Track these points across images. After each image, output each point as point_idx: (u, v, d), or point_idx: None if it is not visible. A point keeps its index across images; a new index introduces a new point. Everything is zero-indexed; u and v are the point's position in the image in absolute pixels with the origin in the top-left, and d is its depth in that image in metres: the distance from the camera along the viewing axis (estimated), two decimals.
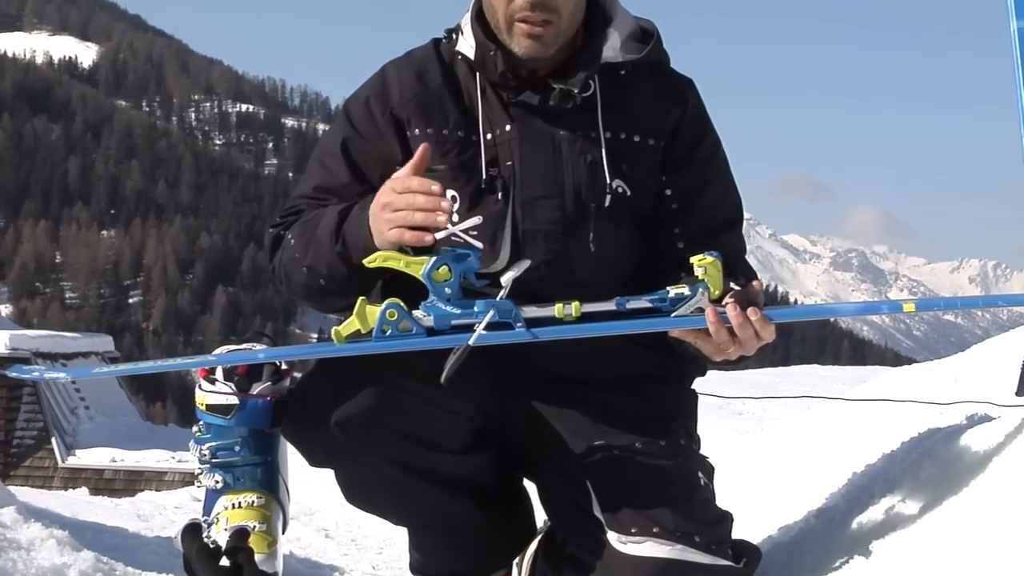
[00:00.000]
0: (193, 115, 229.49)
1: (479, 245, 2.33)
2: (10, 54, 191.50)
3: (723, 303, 2.21)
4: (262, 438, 2.70)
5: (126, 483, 20.02)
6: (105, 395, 23.28)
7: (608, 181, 2.51)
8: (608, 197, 2.51)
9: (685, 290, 2.22)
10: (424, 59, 2.61)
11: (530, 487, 2.81)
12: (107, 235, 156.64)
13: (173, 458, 20.93)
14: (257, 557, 2.57)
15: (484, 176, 2.50)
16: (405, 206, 2.23)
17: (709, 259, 2.21)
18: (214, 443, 2.68)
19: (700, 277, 2.22)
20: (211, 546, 2.58)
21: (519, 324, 2.22)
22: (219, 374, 2.67)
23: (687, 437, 2.61)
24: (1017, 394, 2.44)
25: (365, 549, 6.28)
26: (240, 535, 2.58)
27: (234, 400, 2.65)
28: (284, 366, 2.72)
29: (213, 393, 2.67)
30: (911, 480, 2.65)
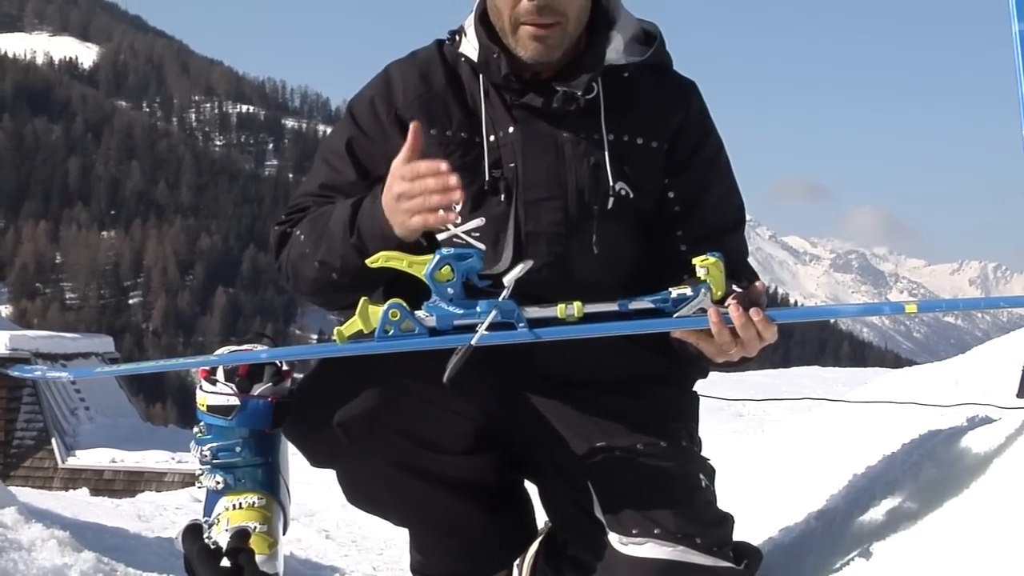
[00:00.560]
0: (193, 116, 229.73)
1: (481, 247, 2.33)
2: (11, 55, 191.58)
3: (725, 304, 2.21)
4: (263, 439, 2.70)
5: (126, 484, 20.02)
6: (105, 396, 23.27)
7: (611, 183, 2.51)
8: (611, 199, 2.51)
9: (687, 291, 2.22)
10: (428, 60, 2.61)
11: (531, 488, 2.81)
12: (107, 236, 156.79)
13: (173, 459, 20.91)
14: (258, 558, 2.57)
15: (487, 178, 2.50)
16: (420, 191, 2.22)
17: (711, 260, 2.22)
18: (215, 444, 2.68)
19: (702, 278, 2.22)
20: (212, 547, 2.57)
21: (521, 324, 2.22)
22: (220, 375, 2.67)
23: (688, 439, 2.61)
24: (1018, 396, 2.45)
25: (366, 550, 6.29)
26: (241, 536, 2.57)
27: (235, 401, 2.65)
28: (285, 367, 2.72)
29: (214, 394, 2.67)
30: (912, 482, 2.65)
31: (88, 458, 21.51)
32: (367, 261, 2.26)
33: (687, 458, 2.57)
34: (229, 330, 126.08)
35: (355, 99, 2.65)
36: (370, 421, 2.45)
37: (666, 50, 2.64)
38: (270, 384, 2.67)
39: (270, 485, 2.73)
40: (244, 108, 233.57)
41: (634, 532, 2.40)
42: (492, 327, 2.19)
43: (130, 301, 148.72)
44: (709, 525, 2.44)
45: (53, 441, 21.60)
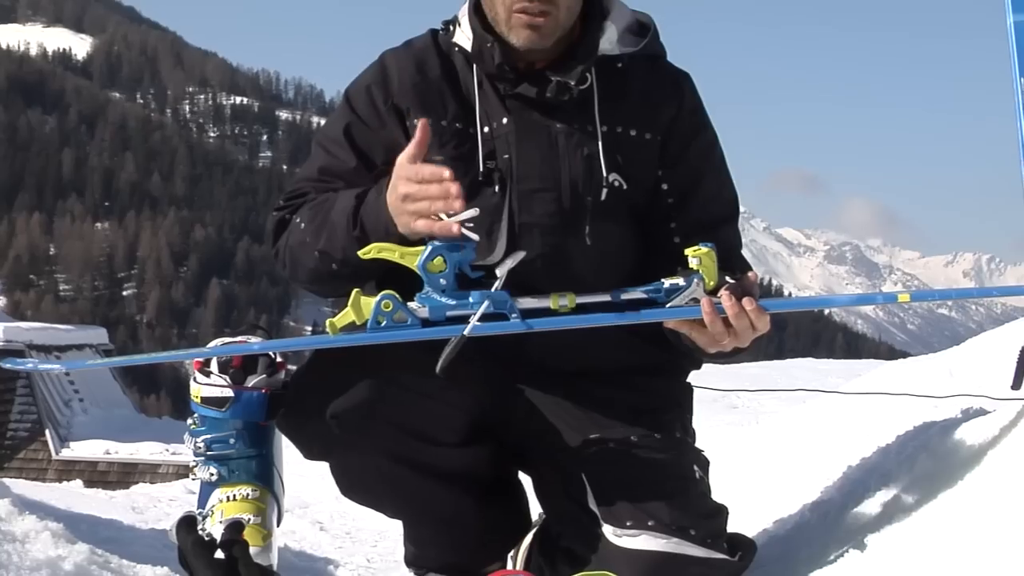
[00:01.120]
0: (187, 107, 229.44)
1: (475, 237, 2.33)
2: (4, 46, 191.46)
3: (718, 294, 2.21)
4: (257, 431, 2.70)
5: (120, 475, 20.01)
6: (99, 387, 23.27)
7: (604, 175, 2.50)
8: (604, 191, 2.51)
9: (680, 281, 2.22)
10: (423, 50, 2.60)
11: (525, 480, 2.81)
12: (101, 227, 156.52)
13: (167, 450, 20.91)
14: (252, 550, 2.56)
15: (482, 169, 2.50)
16: (424, 196, 2.20)
17: (704, 250, 2.21)
18: (209, 436, 2.68)
19: (695, 268, 2.21)
20: (206, 539, 2.57)
21: (514, 315, 2.22)
22: (214, 366, 2.67)
23: (682, 430, 2.62)
24: (1012, 387, 2.44)
25: (360, 542, 6.28)
26: (235, 528, 2.57)
27: (229, 393, 2.65)
28: (279, 359, 2.71)
29: (208, 386, 2.67)
30: (906, 473, 2.65)
31: (82, 450, 21.50)
32: (359, 252, 2.25)
33: (681, 450, 2.57)
34: (223, 322, 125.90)
35: (351, 87, 2.64)
36: (363, 413, 2.45)
37: (660, 41, 2.64)
38: (264, 376, 2.67)
39: (264, 477, 2.72)
40: (238, 100, 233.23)
41: (628, 524, 2.40)
42: (485, 318, 2.19)
43: (124, 293, 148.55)
44: (703, 517, 2.44)
45: (47, 433, 21.60)
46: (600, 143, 2.51)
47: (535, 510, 2.84)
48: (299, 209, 2.54)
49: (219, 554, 2.54)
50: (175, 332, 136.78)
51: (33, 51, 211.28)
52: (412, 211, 2.22)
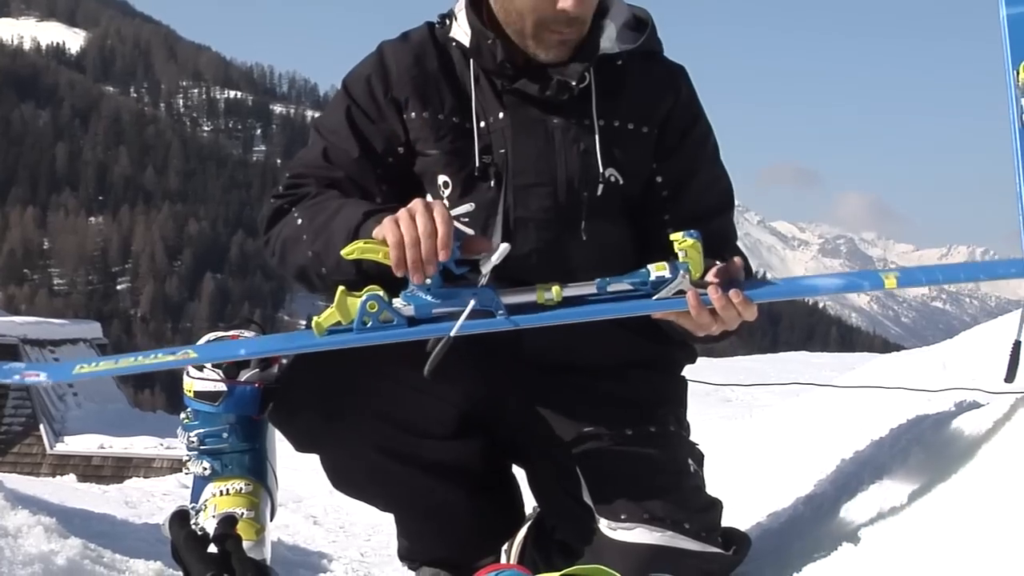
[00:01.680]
0: (181, 101, 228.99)
1: (470, 232, 2.32)
2: None
3: (704, 280, 2.21)
4: (250, 425, 2.69)
5: (114, 470, 20.01)
6: (93, 382, 23.21)
7: (601, 170, 2.50)
8: (600, 186, 2.50)
9: (666, 272, 2.21)
10: (421, 43, 2.59)
11: (519, 473, 2.81)
12: (95, 221, 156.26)
13: (161, 445, 20.91)
14: (245, 544, 2.56)
15: (477, 164, 2.49)
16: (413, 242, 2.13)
17: (689, 241, 2.20)
18: (202, 430, 2.67)
19: (681, 259, 2.21)
20: (199, 533, 2.56)
21: (500, 312, 2.21)
22: None
23: (677, 424, 2.62)
24: (1006, 380, 2.44)
25: (353, 536, 6.29)
26: (228, 522, 2.56)
27: (222, 387, 2.64)
28: None
29: (201, 380, 2.66)
30: (900, 467, 2.65)
31: (76, 444, 21.50)
32: (343, 252, 2.21)
33: (676, 443, 2.57)
34: (217, 316, 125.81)
35: (349, 77, 2.62)
36: (351, 406, 2.45)
37: (657, 36, 2.64)
38: (257, 370, 2.66)
39: (257, 471, 2.72)
40: (232, 93, 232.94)
41: (623, 517, 2.40)
42: (471, 315, 2.18)
43: (118, 287, 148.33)
44: (698, 510, 2.44)
45: (41, 427, 21.59)
46: (597, 137, 2.51)
47: (529, 503, 2.84)
48: (298, 202, 2.51)
49: (212, 548, 2.53)
50: (169, 326, 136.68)
51: (27, 45, 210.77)
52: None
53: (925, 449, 2.64)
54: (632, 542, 2.39)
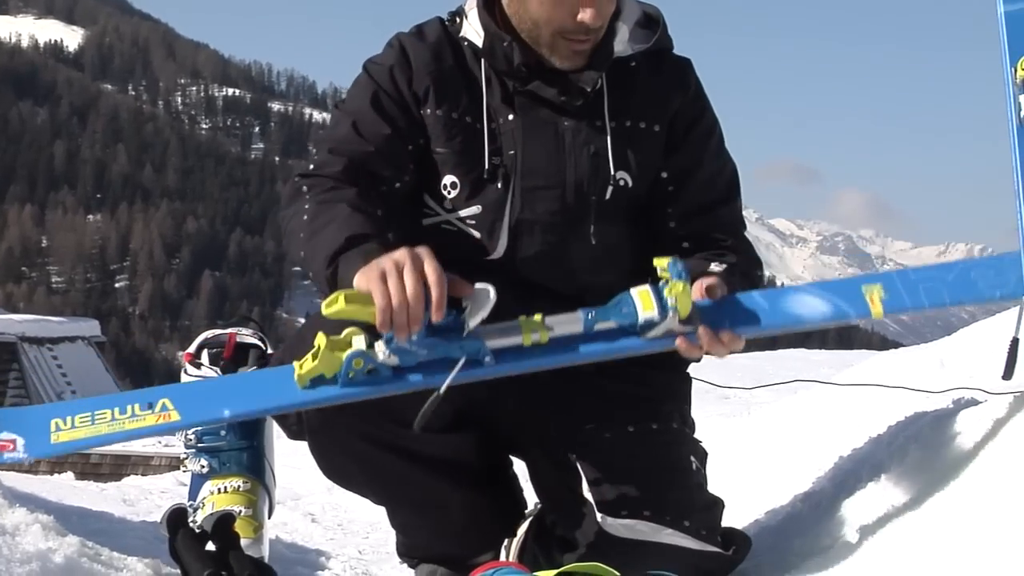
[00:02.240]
0: (179, 99, 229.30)
1: (476, 234, 2.30)
2: None
3: (692, 319, 2.18)
4: (248, 423, 2.69)
5: (112, 467, 19.94)
6: (91, 379, 23.28)
7: (612, 172, 2.49)
8: (610, 188, 2.49)
9: (654, 314, 2.17)
10: (438, 39, 2.55)
11: (521, 470, 2.80)
12: (93, 219, 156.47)
13: (160, 442, 20.85)
14: (243, 542, 2.56)
15: (487, 165, 2.48)
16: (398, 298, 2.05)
17: (680, 286, 2.16)
18: (200, 428, 2.67)
19: (670, 305, 2.16)
20: (197, 531, 2.57)
21: (487, 358, 2.16)
22: (204, 358, 2.66)
23: (680, 421, 2.60)
24: (1003, 377, 2.44)
25: (351, 533, 6.27)
26: (226, 520, 2.57)
27: None
28: (270, 350, 2.71)
29: (199, 378, 2.66)
30: (898, 464, 2.64)
31: None
32: (323, 310, 2.09)
33: (679, 440, 2.56)
34: (215, 313, 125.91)
35: (372, 66, 2.57)
36: None
37: (668, 34, 2.62)
38: (255, 368, 2.66)
39: (255, 469, 2.72)
40: (230, 91, 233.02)
41: (623, 514, 2.40)
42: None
43: (116, 285, 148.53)
44: (699, 509, 2.44)
45: None
46: (609, 139, 2.49)
47: (531, 499, 2.83)
48: (314, 191, 2.41)
49: (210, 546, 2.53)
50: (167, 324, 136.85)
51: (24, 43, 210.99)
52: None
53: (923, 447, 2.63)
54: (632, 539, 2.39)
